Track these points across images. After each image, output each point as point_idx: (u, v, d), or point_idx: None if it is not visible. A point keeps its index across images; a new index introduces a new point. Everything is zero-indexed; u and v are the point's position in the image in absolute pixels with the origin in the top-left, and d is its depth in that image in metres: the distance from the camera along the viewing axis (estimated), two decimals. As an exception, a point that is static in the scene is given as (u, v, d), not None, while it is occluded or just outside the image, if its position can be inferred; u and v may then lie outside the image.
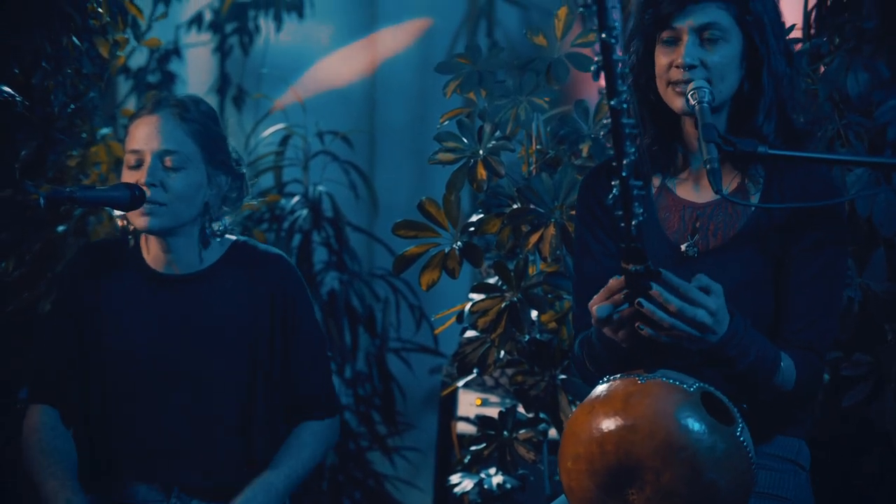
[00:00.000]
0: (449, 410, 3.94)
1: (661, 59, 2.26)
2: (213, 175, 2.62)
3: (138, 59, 4.78)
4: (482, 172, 2.79)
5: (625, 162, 1.92)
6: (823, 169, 2.32)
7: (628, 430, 2.02)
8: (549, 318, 2.88)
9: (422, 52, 5.19)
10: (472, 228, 2.85)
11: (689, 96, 2.21)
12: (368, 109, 5.25)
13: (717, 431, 2.00)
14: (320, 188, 4.58)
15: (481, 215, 2.87)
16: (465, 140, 2.80)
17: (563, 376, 2.87)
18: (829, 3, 3.08)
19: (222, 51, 5.07)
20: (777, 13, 2.29)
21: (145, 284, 2.65)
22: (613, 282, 2.05)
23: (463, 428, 3.68)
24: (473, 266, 2.85)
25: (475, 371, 2.91)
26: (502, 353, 2.89)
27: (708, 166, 2.18)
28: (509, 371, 3.33)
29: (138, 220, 2.56)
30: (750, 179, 2.30)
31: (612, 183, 1.94)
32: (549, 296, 2.84)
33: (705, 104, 2.20)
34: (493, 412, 3.03)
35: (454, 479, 3.01)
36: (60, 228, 3.61)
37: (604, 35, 1.88)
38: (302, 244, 4.48)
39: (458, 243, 2.82)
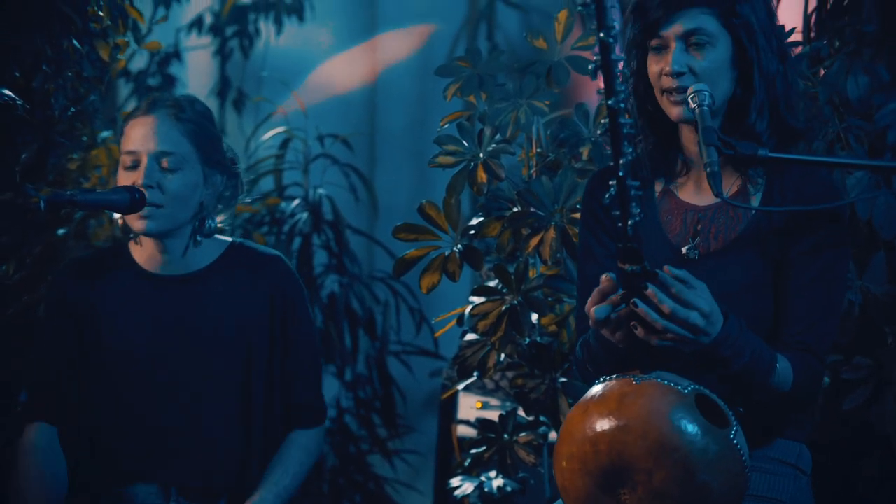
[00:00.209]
0: (449, 413, 3.94)
1: (653, 66, 2.27)
2: (209, 175, 2.62)
3: (139, 63, 4.79)
4: (482, 175, 2.79)
5: (622, 162, 1.93)
6: (824, 171, 2.32)
7: (621, 431, 2.02)
8: (549, 321, 2.88)
9: (422, 56, 5.19)
10: (472, 231, 2.85)
11: (689, 99, 2.21)
12: (369, 112, 5.25)
13: (710, 433, 2.01)
14: (320, 191, 4.58)
15: (481, 218, 2.87)
16: (466, 143, 2.80)
17: (563, 379, 2.87)
18: (828, 6, 3.09)
19: (222, 54, 5.07)
20: (767, 12, 2.28)
21: (141, 286, 2.65)
22: (605, 283, 2.05)
23: (463, 431, 3.67)
24: (474, 269, 2.85)
25: (475, 374, 2.91)
26: (502, 356, 2.89)
27: (708, 169, 2.18)
28: (509, 374, 3.32)
29: (136, 223, 2.56)
30: (750, 182, 2.30)
31: (610, 183, 1.95)
32: (550, 299, 2.84)
33: (705, 107, 2.20)
34: (493, 415, 3.03)
35: (454, 482, 3.01)
36: (61, 231, 3.61)
37: (602, 34, 1.88)
38: (302, 247, 4.48)
39: (459, 246, 2.82)
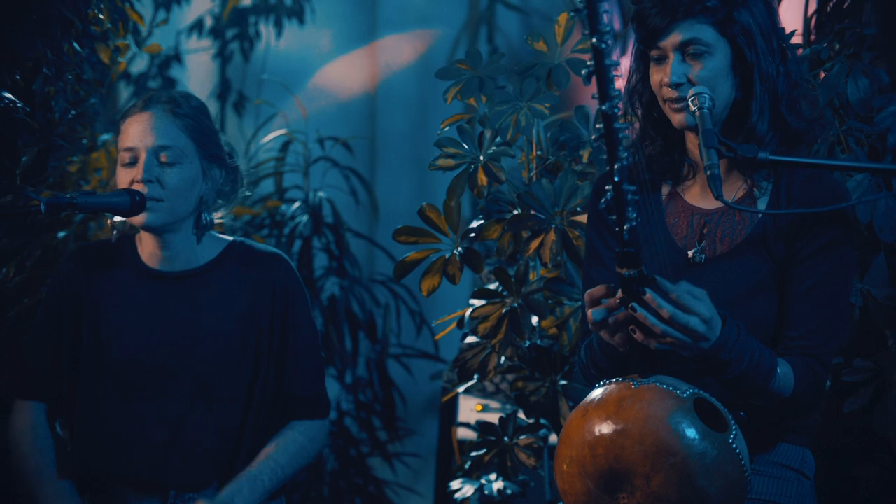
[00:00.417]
0: (449, 416, 3.94)
1: (654, 76, 2.27)
2: (207, 169, 2.63)
3: (139, 65, 4.80)
4: (483, 178, 2.79)
5: (616, 167, 1.93)
6: (831, 176, 2.32)
7: (619, 434, 2.02)
8: (549, 324, 2.88)
9: (422, 59, 5.20)
10: (472, 234, 2.85)
11: (689, 102, 2.21)
12: (369, 115, 5.26)
13: (708, 438, 2.00)
14: (321, 194, 4.58)
15: (482, 221, 2.87)
16: (466, 146, 2.80)
17: (563, 382, 2.87)
18: (829, 9, 3.09)
19: (223, 57, 5.08)
20: (767, 11, 2.27)
21: (141, 282, 2.65)
22: (597, 290, 2.06)
23: (463, 434, 3.67)
24: (474, 272, 2.84)
25: (476, 377, 2.91)
26: (503, 358, 2.89)
27: (709, 172, 2.18)
28: (510, 377, 3.32)
29: (136, 217, 2.57)
30: (756, 186, 2.30)
31: (606, 188, 1.95)
32: (550, 301, 2.84)
33: (705, 110, 2.20)
34: (493, 418, 3.03)
35: (454, 484, 3.01)
36: (61, 234, 3.61)
37: (595, 40, 1.88)
38: (302, 250, 4.48)
39: (459, 249, 2.82)
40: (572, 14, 1.93)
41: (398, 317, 4.66)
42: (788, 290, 2.25)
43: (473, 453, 2.96)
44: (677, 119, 2.26)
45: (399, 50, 5.21)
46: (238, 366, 2.65)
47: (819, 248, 2.24)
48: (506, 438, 2.93)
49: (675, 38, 2.22)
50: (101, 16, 3.25)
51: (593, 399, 2.09)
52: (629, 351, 2.11)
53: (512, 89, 2.83)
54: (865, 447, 2.90)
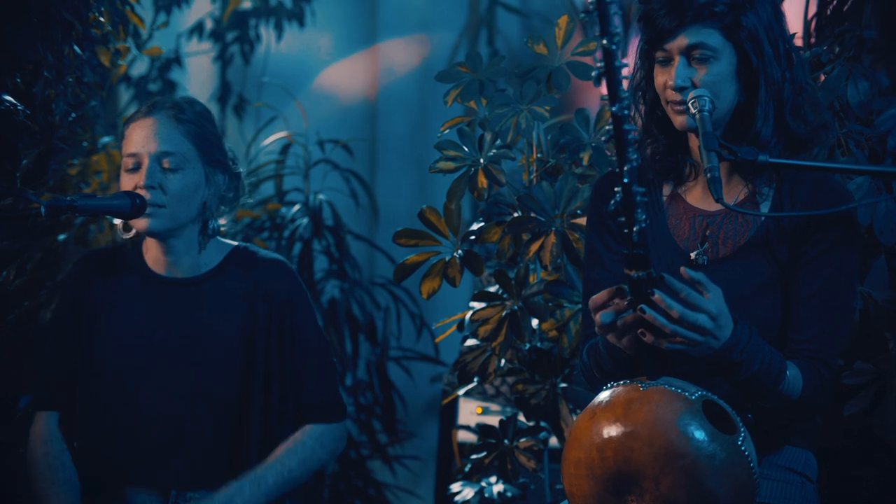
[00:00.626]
0: (449, 419, 3.94)
1: (658, 78, 2.27)
2: (210, 174, 2.64)
3: (139, 68, 4.79)
4: (483, 181, 2.79)
5: (626, 168, 1.93)
6: (835, 180, 2.32)
7: (628, 437, 2.02)
8: (549, 327, 2.88)
9: (422, 61, 5.20)
10: (472, 237, 2.85)
11: (689, 105, 2.21)
12: (369, 118, 5.26)
13: (717, 440, 2.00)
14: (321, 197, 4.58)
15: (482, 224, 2.87)
16: (466, 149, 2.80)
17: (563, 385, 2.87)
18: (829, 11, 3.09)
19: (223, 59, 5.08)
20: (774, 15, 2.26)
21: (146, 288, 2.67)
22: (602, 296, 2.06)
23: (463, 436, 3.67)
24: (474, 274, 2.84)
25: (476, 379, 2.91)
26: (503, 361, 2.89)
27: (709, 175, 2.18)
28: (510, 379, 3.32)
29: (139, 222, 2.58)
30: (758, 190, 2.29)
31: (615, 189, 1.94)
32: (550, 304, 2.84)
33: (706, 112, 2.20)
34: (493, 421, 3.02)
35: (455, 487, 3.01)
36: (61, 237, 3.61)
37: (605, 41, 1.88)
38: (302, 252, 4.48)
39: (459, 252, 2.82)
40: (582, 16, 1.92)
41: (398, 319, 4.66)
42: (793, 293, 2.25)
43: (474, 456, 2.96)
44: (679, 121, 2.25)
45: (399, 53, 5.21)
46: (238, 370, 2.65)
47: (824, 251, 2.24)
48: (506, 441, 2.93)
49: (681, 42, 2.21)
50: (101, 19, 3.25)
51: (601, 401, 2.09)
52: (636, 353, 2.10)
53: (512, 92, 2.83)
54: (866, 449, 2.90)
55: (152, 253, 2.67)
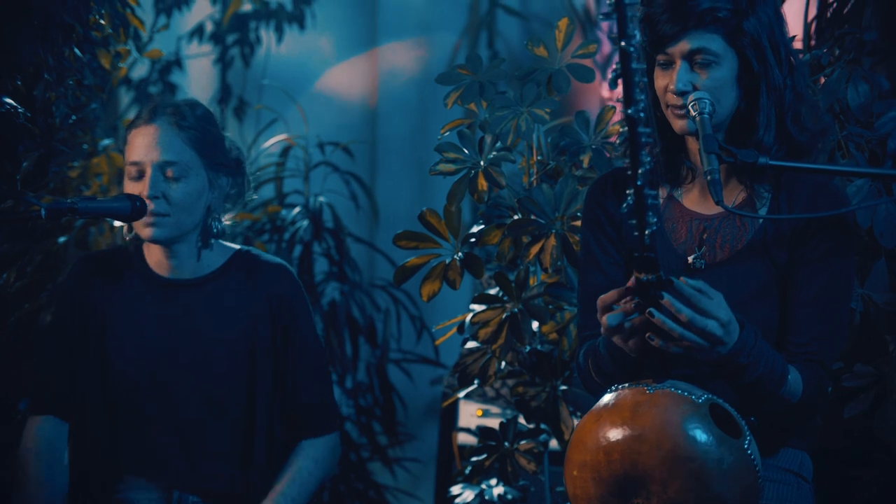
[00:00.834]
0: (450, 421, 3.94)
1: (659, 80, 2.27)
2: (213, 178, 2.64)
3: (140, 71, 4.80)
4: (483, 183, 2.79)
5: (640, 171, 1.92)
6: (833, 184, 2.32)
7: (635, 440, 2.02)
8: (549, 329, 2.88)
9: (423, 63, 5.20)
10: (472, 239, 2.85)
11: (689, 107, 2.21)
12: (369, 120, 5.26)
13: (724, 444, 2.00)
14: (321, 199, 4.58)
15: (482, 226, 2.87)
16: (466, 151, 2.80)
17: (564, 387, 2.87)
18: (829, 14, 3.09)
19: (223, 62, 5.08)
20: (776, 19, 2.25)
21: (148, 289, 2.67)
22: (609, 295, 2.05)
23: (464, 439, 3.67)
24: (474, 277, 2.84)
25: (476, 382, 2.91)
26: (503, 363, 2.89)
27: (709, 177, 2.18)
28: (510, 382, 3.32)
29: (143, 230, 2.58)
30: (756, 194, 2.29)
31: (627, 192, 1.94)
32: (550, 306, 2.84)
33: (706, 115, 2.20)
34: (493, 423, 3.02)
35: (455, 490, 3.01)
36: (62, 239, 3.61)
37: (623, 43, 1.88)
38: (303, 255, 4.48)
39: (459, 254, 2.82)
40: (601, 17, 1.92)
41: (398, 322, 4.66)
42: (791, 296, 2.25)
43: (474, 458, 2.96)
44: (679, 125, 2.25)
45: (399, 55, 5.21)
46: (241, 373, 2.66)
47: (822, 255, 2.24)
48: (506, 443, 2.93)
49: (683, 46, 2.21)
50: (102, 21, 3.25)
51: (606, 404, 2.08)
52: (641, 356, 2.10)
53: (512, 94, 2.83)
54: (866, 450, 2.90)
55: (154, 255, 2.67)
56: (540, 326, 2.89)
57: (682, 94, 2.22)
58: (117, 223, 2.65)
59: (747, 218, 2.27)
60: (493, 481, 2.97)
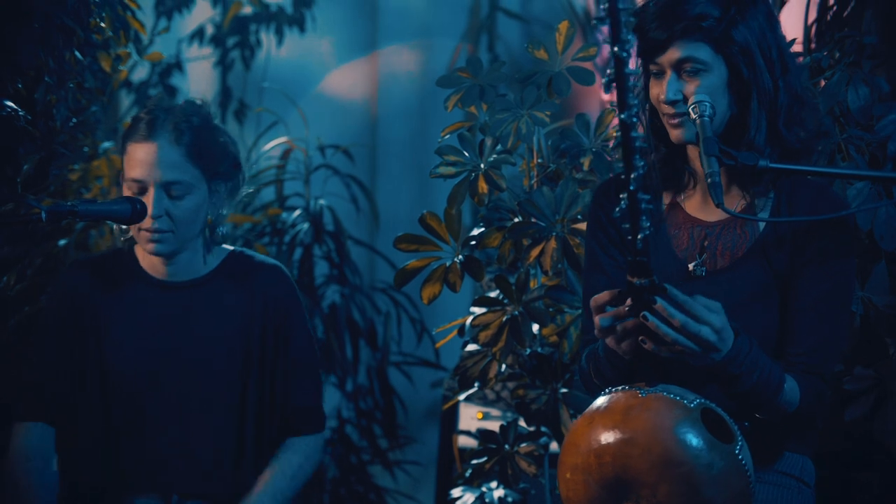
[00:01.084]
0: (450, 424, 3.94)
1: (653, 90, 2.27)
2: (213, 187, 2.64)
3: (140, 73, 4.80)
4: (483, 186, 2.79)
5: (633, 176, 1.92)
6: (833, 190, 2.32)
7: (626, 444, 2.02)
8: (550, 332, 2.88)
9: (423, 66, 5.20)
10: (473, 242, 2.85)
11: (689, 110, 2.21)
12: (370, 123, 5.26)
13: (715, 448, 2.00)
14: (321, 202, 4.59)
15: (482, 229, 2.88)
16: (467, 154, 2.81)
17: (564, 390, 2.87)
18: (829, 17, 3.09)
19: (224, 65, 5.08)
20: (766, 25, 2.24)
21: (144, 291, 2.67)
22: (603, 297, 2.06)
23: (464, 441, 3.67)
24: (474, 280, 2.85)
25: (476, 385, 2.91)
26: (503, 366, 2.89)
27: (709, 180, 2.18)
28: (510, 384, 3.32)
29: (146, 245, 2.59)
30: (757, 200, 2.29)
31: (620, 196, 1.94)
32: (551, 309, 2.84)
33: (706, 118, 2.20)
34: (494, 426, 3.02)
35: (455, 492, 3.01)
36: (62, 242, 3.62)
37: (616, 48, 1.88)
38: (303, 258, 4.48)
39: (460, 257, 2.82)
40: (595, 22, 1.92)
41: (399, 324, 4.66)
42: (790, 302, 2.25)
43: (474, 461, 2.96)
44: (675, 134, 2.26)
45: (400, 58, 5.22)
46: (234, 374, 2.66)
47: (821, 262, 2.24)
48: (506, 446, 2.93)
49: (671, 55, 2.21)
50: (102, 24, 3.26)
51: (599, 407, 2.08)
52: (635, 360, 2.10)
53: (512, 97, 2.83)
54: (866, 452, 2.90)
55: (149, 258, 2.67)
56: (540, 329, 2.89)
57: (673, 103, 2.22)
58: (115, 226, 2.65)
59: (748, 225, 2.27)
60: (494, 484, 2.97)
